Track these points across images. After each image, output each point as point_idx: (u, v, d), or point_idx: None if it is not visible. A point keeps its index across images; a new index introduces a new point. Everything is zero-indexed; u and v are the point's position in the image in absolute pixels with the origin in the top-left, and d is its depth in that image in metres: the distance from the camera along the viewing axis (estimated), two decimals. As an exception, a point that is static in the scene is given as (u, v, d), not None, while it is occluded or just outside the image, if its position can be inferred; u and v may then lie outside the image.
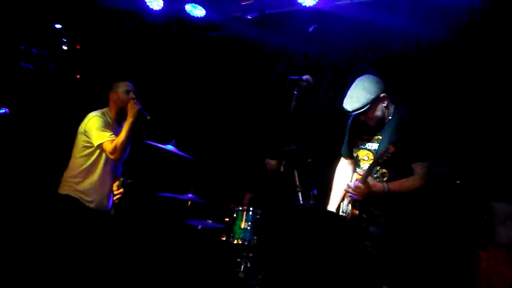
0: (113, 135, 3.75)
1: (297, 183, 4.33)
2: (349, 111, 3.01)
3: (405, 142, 2.87)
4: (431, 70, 4.27)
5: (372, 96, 2.94)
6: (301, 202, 4.31)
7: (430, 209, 3.26)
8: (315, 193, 4.40)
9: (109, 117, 3.92)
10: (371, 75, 3.07)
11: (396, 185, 2.93)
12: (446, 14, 4.01)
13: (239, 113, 5.44)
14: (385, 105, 3.01)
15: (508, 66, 3.87)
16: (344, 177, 3.35)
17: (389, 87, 3.07)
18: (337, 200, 3.31)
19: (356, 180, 3.08)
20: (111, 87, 3.98)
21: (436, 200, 3.65)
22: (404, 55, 4.28)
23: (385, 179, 2.97)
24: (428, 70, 4.27)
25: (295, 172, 4.33)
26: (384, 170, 3.00)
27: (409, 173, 2.95)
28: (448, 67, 4.22)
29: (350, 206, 3.10)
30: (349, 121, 3.28)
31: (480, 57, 4.02)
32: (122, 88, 3.93)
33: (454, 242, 4.00)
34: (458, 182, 3.99)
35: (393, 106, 3.08)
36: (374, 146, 3.09)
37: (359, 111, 2.96)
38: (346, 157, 3.37)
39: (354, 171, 3.29)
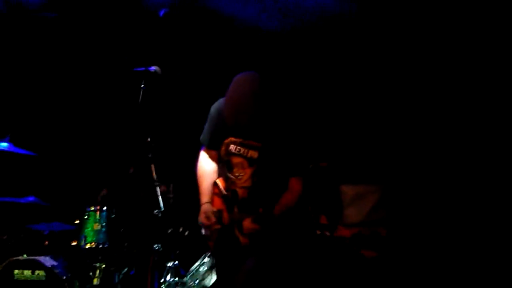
0: None
1: (155, 177, 4.11)
2: (241, 126, 2.67)
3: (283, 156, 2.70)
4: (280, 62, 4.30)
5: (261, 100, 2.62)
6: (160, 196, 4.11)
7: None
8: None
9: None
10: (251, 72, 2.75)
11: (280, 208, 2.74)
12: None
13: (88, 104, 4.92)
14: (266, 103, 2.68)
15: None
16: (210, 172, 3.02)
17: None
18: (209, 196, 2.97)
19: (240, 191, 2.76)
20: None
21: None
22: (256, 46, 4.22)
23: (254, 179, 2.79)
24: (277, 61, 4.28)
25: (152, 166, 4.09)
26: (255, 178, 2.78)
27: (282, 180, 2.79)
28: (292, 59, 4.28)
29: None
30: (214, 111, 2.91)
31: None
32: None
33: (310, 225, 4.21)
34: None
35: (270, 103, 2.73)
36: (252, 154, 2.76)
37: (252, 123, 2.64)
38: (209, 148, 3.02)
39: (219, 167, 2.97)
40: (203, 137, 3.03)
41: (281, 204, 2.75)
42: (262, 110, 2.64)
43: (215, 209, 2.91)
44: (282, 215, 2.74)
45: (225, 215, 2.87)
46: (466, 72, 3.68)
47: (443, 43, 3.78)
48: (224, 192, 2.90)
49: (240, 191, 2.81)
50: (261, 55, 4.02)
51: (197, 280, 4.39)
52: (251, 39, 4.18)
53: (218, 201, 2.96)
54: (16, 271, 3.66)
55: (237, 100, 2.64)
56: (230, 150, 2.83)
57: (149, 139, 3.72)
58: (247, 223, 2.71)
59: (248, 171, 2.81)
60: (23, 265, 3.68)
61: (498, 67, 3.54)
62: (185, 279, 4.40)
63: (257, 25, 4.14)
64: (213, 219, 2.85)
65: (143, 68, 2.84)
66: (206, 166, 3.03)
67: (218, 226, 2.85)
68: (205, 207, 2.92)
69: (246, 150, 2.79)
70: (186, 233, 4.55)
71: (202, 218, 2.91)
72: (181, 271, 4.47)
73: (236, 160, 2.83)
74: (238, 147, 2.81)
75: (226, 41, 4.25)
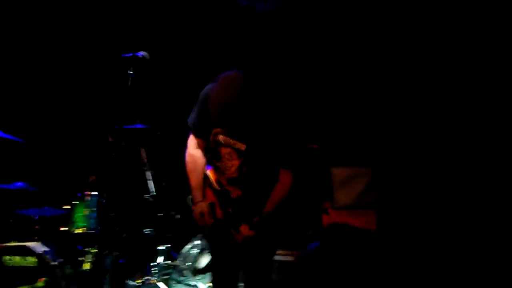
0: None
1: (145, 161, 4.09)
2: (228, 124, 2.64)
3: (272, 148, 2.67)
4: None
5: (247, 99, 2.55)
6: (151, 181, 4.11)
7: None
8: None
9: None
10: (235, 71, 2.65)
11: (272, 205, 2.74)
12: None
13: (77, 90, 4.84)
14: (252, 102, 2.61)
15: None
16: (200, 166, 2.91)
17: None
18: (201, 191, 2.89)
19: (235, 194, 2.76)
20: None
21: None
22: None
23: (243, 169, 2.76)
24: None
25: (142, 151, 4.07)
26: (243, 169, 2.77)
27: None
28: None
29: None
30: (202, 97, 2.78)
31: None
32: None
33: (302, 209, 4.23)
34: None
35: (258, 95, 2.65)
36: (240, 146, 2.74)
37: (239, 122, 2.60)
38: (197, 136, 2.90)
39: (207, 156, 2.90)
40: (191, 121, 2.91)
41: (272, 200, 2.74)
42: (249, 109, 2.61)
43: (208, 203, 2.86)
44: (275, 211, 2.74)
45: (218, 210, 2.86)
46: (456, 52, 3.68)
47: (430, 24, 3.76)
48: (216, 186, 2.89)
49: (232, 190, 2.80)
50: (248, 37, 3.95)
51: (189, 263, 4.42)
52: (240, 20, 4.11)
53: (210, 193, 2.92)
54: (6, 257, 3.64)
55: (222, 101, 2.61)
56: (219, 140, 2.80)
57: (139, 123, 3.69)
58: (243, 230, 2.72)
59: (236, 163, 2.78)
60: (13, 251, 3.65)
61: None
62: (177, 262, 4.43)
63: (244, 6, 4.06)
64: (207, 217, 2.81)
65: (131, 54, 2.78)
66: (196, 158, 2.93)
67: (212, 221, 2.82)
68: (199, 206, 2.85)
69: (234, 142, 2.77)
70: (177, 217, 4.56)
71: (196, 217, 2.85)
72: (172, 254, 4.50)
73: (224, 150, 2.80)
74: (228, 138, 2.78)
75: (215, 23, 4.17)
